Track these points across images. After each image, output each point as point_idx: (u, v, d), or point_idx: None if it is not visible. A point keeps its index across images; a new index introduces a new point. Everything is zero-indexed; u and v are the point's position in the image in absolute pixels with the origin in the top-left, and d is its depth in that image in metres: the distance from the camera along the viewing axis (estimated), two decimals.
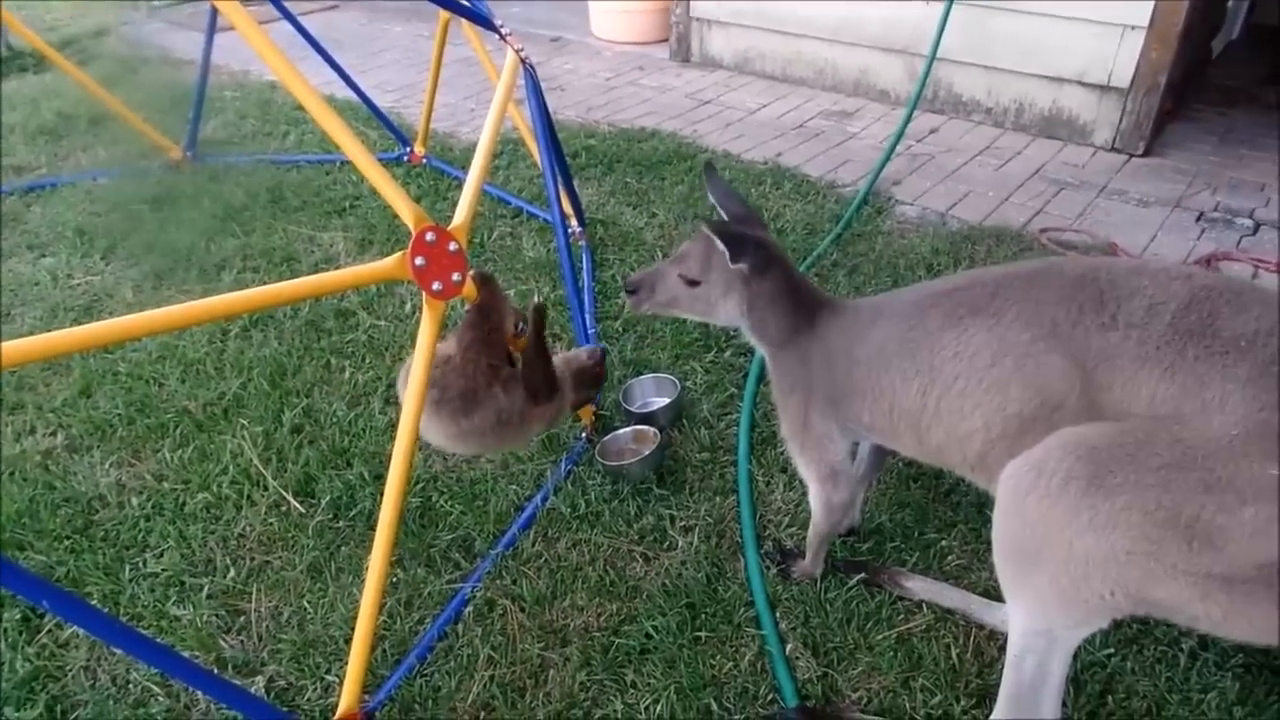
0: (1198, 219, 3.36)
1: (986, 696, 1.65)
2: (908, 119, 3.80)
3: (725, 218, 1.82)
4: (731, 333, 2.69)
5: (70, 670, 1.77)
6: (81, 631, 1.83)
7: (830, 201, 3.51)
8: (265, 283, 2.95)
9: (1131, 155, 3.93)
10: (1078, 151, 4.01)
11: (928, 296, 1.58)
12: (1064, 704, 1.61)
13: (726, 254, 1.64)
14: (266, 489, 2.18)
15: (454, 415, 1.75)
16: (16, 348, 1.17)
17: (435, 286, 1.57)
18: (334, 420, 2.39)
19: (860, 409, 1.66)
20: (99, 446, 2.34)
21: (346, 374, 2.58)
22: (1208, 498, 1.18)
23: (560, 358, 2.09)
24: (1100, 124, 3.99)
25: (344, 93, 3.94)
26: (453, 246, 1.58)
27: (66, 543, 2.05)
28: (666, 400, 2.39)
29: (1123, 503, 1.22)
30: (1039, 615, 1.37)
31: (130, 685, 1.74)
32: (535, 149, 3.01)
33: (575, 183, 3.34)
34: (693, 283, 1.74)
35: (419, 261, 1.54)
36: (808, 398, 1.73)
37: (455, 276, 1.59)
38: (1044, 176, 3.77)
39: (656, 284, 1.79)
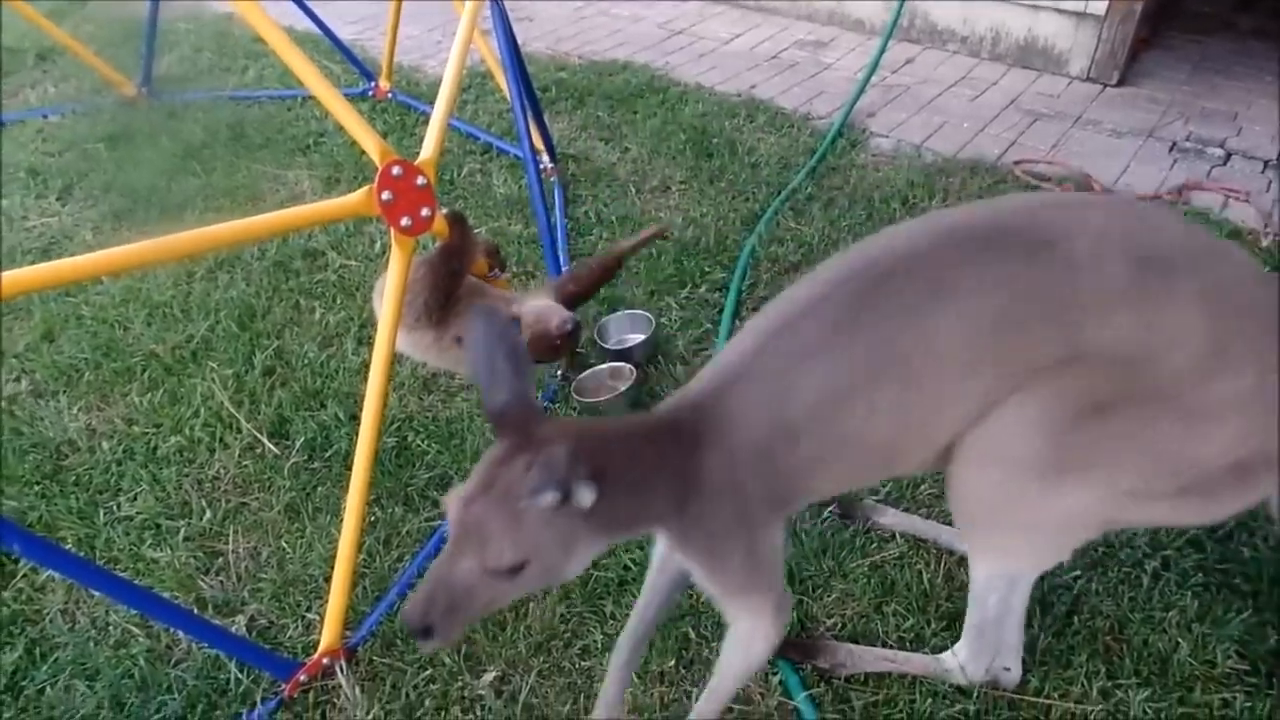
0: (1170, 149, 3.36)
1: (957, 619, 1.69)
2: (882, 49, 3.74)
3: (487, 392, 1.12)
4: (706, 269, 2.68)
5: (48, 613, 1.77)
6: (58, 575, 1.82)
7: (805, 134, 3.47)
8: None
9: (1106, 85, 3.90)
10: (1053, 81, 3.98)
11: (849, 301, 1.22)
12: (1032, 625, 1.66)
13: (552, 497, 1.01)
14: (240, 431, 2.16)
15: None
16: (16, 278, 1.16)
17: (404, 222, 1.54)
18: (306, 361, 2.37)
19: (815, 480, 1.32)
20: (65, 391, 2.30)
21: (317, 315, 2.54)
22: (1190, 436, 1.19)
23: (532, 313, 2.06)
24: (1076, 53, 3.95)
25: (303, 24, 3.80)
26: (420, 181, 1.55)
27: (37, 488, 2.03)
28: (642, 337, 2.38)
29: (1105, 472, 1.23)
30: (1004, 566, 1.40)
31: (110, 627, 1.74)
32: (504, 82, 2.94)
33: (546, 117, 3.27)
34: (515, 569, 1.06)
35: (386, 196, 1.51)
36: (749, 521, 1.27)
37: (424, 211, 1.56)
38: (1019, 107, 3.74)
39: (456, 607, 1.07)
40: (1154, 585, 1.74)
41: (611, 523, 1.15)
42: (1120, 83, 3.89)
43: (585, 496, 1.03)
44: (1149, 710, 1.54)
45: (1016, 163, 3.23)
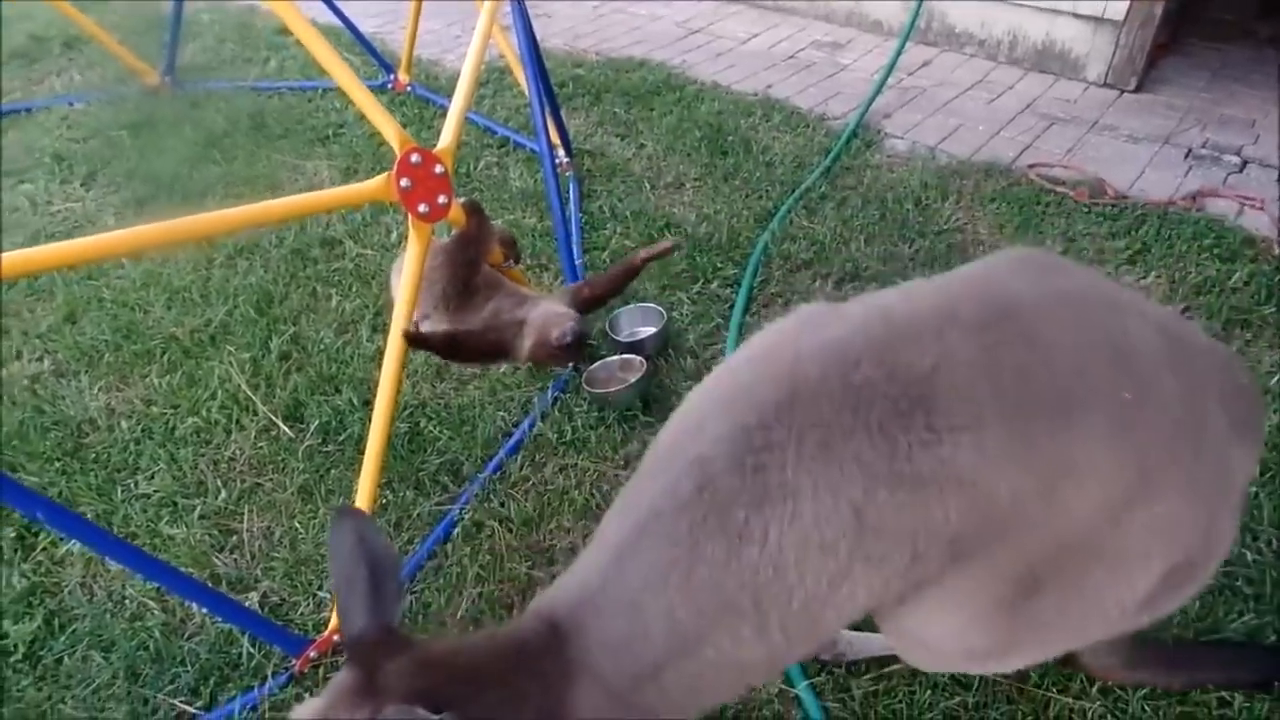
0: (1186, 155, 3.36)
1: None
2: (899, 51, 3.75)
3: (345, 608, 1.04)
4: (718, 265, 2.70)
5: (67, 586, 1.81)
6: (77, 549, 1.87)
7: (820, 134, 3.48)
8: None
9: (1123, 91, 3.90)
10: (1069, 86, 3.97)
11: (683, 522, 1.04)
12: None
13: None
14: (255, 414, 2.20)
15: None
16: (15, 259, 1.19)
17: (421, 209, 1.57)
18: (321, 347, 2.40)
19: (694, 702, 1.15)
20: (86, 371, 2.35)
21: (333, 302, 2.58)
22: (1121, 580, 1.09)
23: (540, 317, 2.06)
24: (1093, 58, 3.95)
25: (325, 17, 3.84)
26: (438, 169, 1.58)
27: (58, 464, 2.07)
28: (653, 330, 2.40)
29: (1046, 639, 1.16)
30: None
31: (126, 600, 1.78)
32: (522, 77, 2.97)
33: (563, 113, 3.30)
34: None
35: (404, 183, 1.54)
36: None
37: (441, 199, 1.59)
38: (1035, 111, 3.74)
39: None
40: None
41: None
42: (1138, 88, 3.89)
43: None
44: (1146, 708, 1.55)
45: (1031, 166, 3.24)
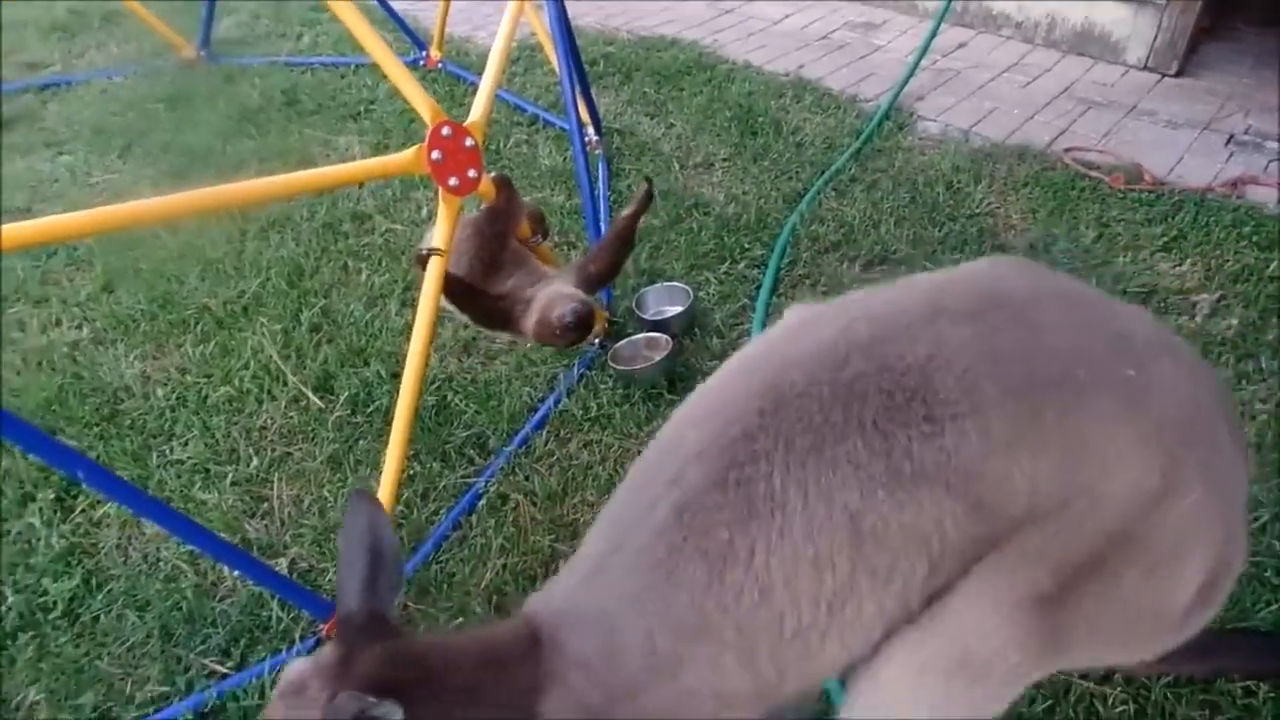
0: (1227, 142, 3.29)
1: None
2: (934, 33, 3.70)
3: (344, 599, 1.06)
4: (746, 245, 2.69)
5: (104, 547, 1.86)
6: (114, 511, 1.91)
7: (851, 116, 3.45)
8: None
9: (1164, 75, 3.82)
10: (1108, 70, 3.90)
11: (660, 539, 1.00)
12: None
13: None
14: (286, 384, 2.23)
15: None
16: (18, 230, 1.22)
17: (451, 182, 1.59)
18: (351, 320, 2.43)
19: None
20: (123, 340, 2.40)
21: (363, 276, 2.60)
22: (1160, 585, 1.02)
23: (545, 298, 2.02)
24: (1134, 41, 3.87)
25: None
26: (469, 142, 1.59)
27: (95, 429, 2.12)
28: (679, 309, 2.41)
29: (1090, 637, 1.04)
30: None
31: (160, 562, 1.83)
32: (553, 55, 2.97)
33: (593, 91, 3.29)
34: None
35: (435, 156, 1.55)
36: None
37: (471, 172, 1.61)
38: (1072, 95, 3.68)
39: None
40: None
41: None
42: (1179, 73, 3.81)
43: (394, 713, 0.92)
44: (1169, 696, 1.55)
45: (1066, 150, 3.19)
